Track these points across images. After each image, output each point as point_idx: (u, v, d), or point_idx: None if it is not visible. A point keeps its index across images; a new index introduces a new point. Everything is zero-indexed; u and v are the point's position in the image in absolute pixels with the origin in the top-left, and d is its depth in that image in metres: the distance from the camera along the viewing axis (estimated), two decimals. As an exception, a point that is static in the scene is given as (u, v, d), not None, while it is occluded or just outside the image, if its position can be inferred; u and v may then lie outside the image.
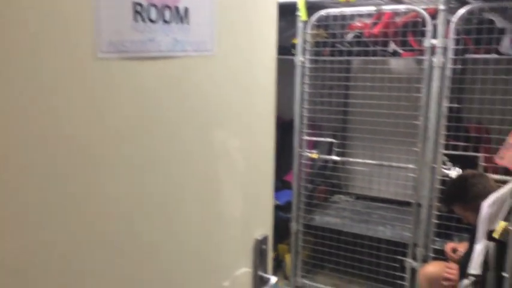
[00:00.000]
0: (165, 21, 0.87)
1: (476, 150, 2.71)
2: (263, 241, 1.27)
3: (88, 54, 0.75)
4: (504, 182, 2.30)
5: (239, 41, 1.11)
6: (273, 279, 1.26)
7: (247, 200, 1.26)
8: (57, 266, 0.74)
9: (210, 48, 1.00)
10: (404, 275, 2.87)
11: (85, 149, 0.76)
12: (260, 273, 1.28)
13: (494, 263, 1.31)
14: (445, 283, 2.22)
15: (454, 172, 2.63)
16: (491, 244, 1.32)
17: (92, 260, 0.81)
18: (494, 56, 2.56)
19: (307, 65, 3.03)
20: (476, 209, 2.05)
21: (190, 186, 1.01)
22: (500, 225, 1.22)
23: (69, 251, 0.76)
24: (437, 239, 2.76)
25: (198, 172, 1.03)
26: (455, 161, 2.69)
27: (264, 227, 1.32)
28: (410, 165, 2.79)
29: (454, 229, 2.76)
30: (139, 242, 0.91)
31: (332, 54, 3.04)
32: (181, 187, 0.98)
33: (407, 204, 2.91)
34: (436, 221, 2.72)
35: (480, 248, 1.39)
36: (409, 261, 2.84)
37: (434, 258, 2.72)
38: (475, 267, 1.37)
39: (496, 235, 1.23)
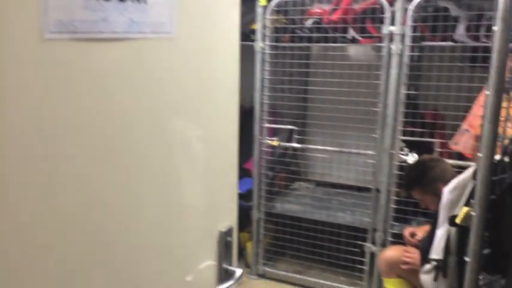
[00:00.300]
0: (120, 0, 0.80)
1: (432, 136, 2.77)
2: (228, 233, 1.23)
3: (34, 34, 0.68)
4: (459, 167, 2.37)
5: (201, 23, 1.05)
6: (238, 272, 1.22)
7: (210, 191, 1.21)
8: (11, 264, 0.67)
9: (169, 30, 0.94)
10: (363, 259, 2.91)
11: (29, 139, 0.69)
12: (225, 265, 1.24)
13: (455, 247, 1.33)
14: (404, 267, 2.27)
15: (411, 158, 2.67)
16: (453, 229, 1.34)
17: (44, 257, 0.74)
18: (449, 43, 2.61)
19: (267, 51, 2.98)
20: (434, 193, 2.10)
21: (149, 178, 0.95)
22: (463, 210, 1.23)
23: (22, 247, 0.69)
24: (396, 223, 2.82)
25: (157, 163, 0.97)
26: (412, 146, 2.74)
27: (229, 218, 1.27)
28: (370, 152, 2.82)
29: (412, 214, 2.82)
30: (94, 236, 0.84)
31: (292, 40, 3.00)
32: (138, 179, 0.92)
33: (367, 190, 2.94)
34: (394, 206, 2.78)
35: (441, 233, 1.41)
36: (368, 246, 2.89)
37: (393, 243, 2.78)
38: (436, 252, 1.39)
39: (458, 220, 1.24)
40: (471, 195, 1.30)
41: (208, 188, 1.19)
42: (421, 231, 2.37)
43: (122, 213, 0.89)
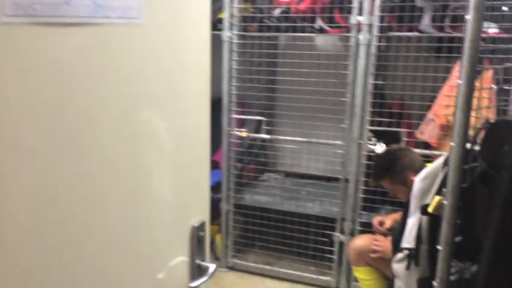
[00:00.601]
0: (84, -19, 0.74)
1: (398, 125, 2.80)
2: (200, 227, 1.19)
3: (-13, 17, 0.61)
4: (425, 156, 2.40)
5: (170, 9, 0.99)
6: (212, 268, 1.19)
7: (181, 184, 1.16)
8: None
9: (137, 16, 0.88)
10: (332, 248, 2.93)
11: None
12: (198, 261, 1.20)
13: (427, 236, 1.34)
14: (373, 255, 2.30)
15: (379, 147, 2.70)
16: (424, 218, 1.34)
17: (9, 258, 0.69)
18: (415, 34, 2.64)
19: (235, 40, 2.93)
20: (403, 182, 2.12)
21: (114, 172, 0.90)
22: (435, 199, 1.24)
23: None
24: (364, 212, 2.85)
25: (123, 156, 0.91)
26: (379, 136, 2.77)
27: (201, 213, 1.23)
28: (338, 142, 2.83)
29: (379, 203, 2.86)
30: (56, 235, 0.79)
31: (260, 30, 2.96)
32: (102, 172, 0.86)
33: (335, 180, 2.96)
34: (362, 196, 2.80)
35: (413, 222, 1.42)
36: (337, 235, 2.91)
37: (361, 232, 2.81)
38: (408, 240, 1.40)
39: (430, 209, 1.25)
40: (442, 184, 1.31)
41: (179, 182, 1.15)
42: (389, 220, 2.41)
43: (85, 209, 0.84)
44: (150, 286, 1.08)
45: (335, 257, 2.93)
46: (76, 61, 0.78)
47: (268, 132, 3.02)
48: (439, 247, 1.23)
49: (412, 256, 1.36)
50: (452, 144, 1.17)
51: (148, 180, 1.01)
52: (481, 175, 1.15)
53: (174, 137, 1.08)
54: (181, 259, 1.17)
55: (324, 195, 3.01)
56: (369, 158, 2.77)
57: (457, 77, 2.56)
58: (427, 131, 2.66)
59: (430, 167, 1.40)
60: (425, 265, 1.35)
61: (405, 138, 2.68)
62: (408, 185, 2.11)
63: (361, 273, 2.41)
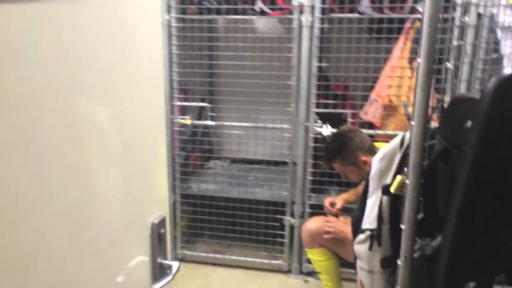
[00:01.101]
0: None
1: (343, 107, 2.83)
2: (160, 224, 1.11)
3: None
4: (370, 136, 2.44)
5: (119, -15, 0.89)
6: (175, 266, 1.11)
7: (137, 179, 1.07)
8: None
9: (84, -8, 0.78)
10: (283, 232, 2.94)
11: None
12: (160, 260, 1.12)
13: (388, 216, 1.35)
14: (326, 236, 2.32)
15: (326, 130, 2.72)
16: (385, 198, 1.35)
17: None
18: (356, 15, 2.66)
19: (174, 24, 2.80)
20: (354, 163, 2.14)
21: (62, 169, 0.80)
22: (397, 179, 1.24)
23: None
24: (313, 194, 2.87)
25: (68, 147, 0.81)
26: (324, 119, 2.79)
27: (160, 208, 1.15)
28: (285, 126, 2.81)
29: (327, 184, 2.89)
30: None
31: (199, 12, 2.85)
32: (43, 166, 0.75)
33: (283, 164, 2.95)
34: (311, 178, 2.82)
35: (372, 202, 1.42)
36: (287, 219, 2.91)
37: (312, 214, 2.83)
38: (369, 221, 1.40)
39: (392, 189, 1.25)
40: (402, 164, 1.32)
41: (134, 176, 1.06)
42: (339, 201, 2.44)
43: (27, 208, 0.73)
44: (108, 291, 0.99)
45: (286, 240, 2.94)
46: (14, 39, 0.67)
47: (212, 118, 2.94)
48: (402, 226, 1.24)
49: (374, 236, 1.37)
50: (412, 123, 1.17)
51: (99, 175, 0.91)
52: (442, 153, 1.16)
53: (124, 125, 0.99)
54: (141, 259, 1.08)
55: (272, 180, 3.00)
56: (316, 140, 2.79)
57: (397, 57, 2.62)
58: (371, 112, 2.72)
59: (387, 147, 1.40)
60: (387, 245, 1.36)
61: (350, 119, 2.72)
62: (359, 166, 2.14)
63: (314, 254, 2.42)
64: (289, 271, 2.98)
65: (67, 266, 0.84)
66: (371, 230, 1.39)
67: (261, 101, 2.82)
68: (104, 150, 0.91)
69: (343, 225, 2.31)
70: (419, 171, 1.19)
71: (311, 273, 2.96)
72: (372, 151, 2.15)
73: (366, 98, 2.72)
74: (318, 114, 2.76)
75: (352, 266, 2.60)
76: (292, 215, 2.91)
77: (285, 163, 2.93)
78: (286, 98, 2.76)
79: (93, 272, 0.92)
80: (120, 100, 0.97)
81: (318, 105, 2.73)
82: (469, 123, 1.08)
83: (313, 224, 2.41)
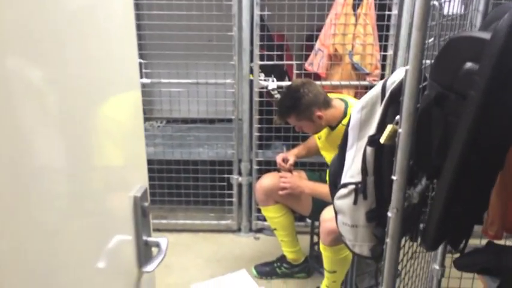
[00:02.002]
0: None
1: (288, 58, 2.73)
2: (143, 197, 0.95)
3: None
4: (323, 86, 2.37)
5: None
6: (164, 242, 0.97)
7: (113, 147, 0.90)
8: None
9: None
10: (231, 191, 2.85)
11: None
12: (145, 237, 0.97)
13: (373, 167, 1.30)
14: (281, 192, 2.26)
15: (271, 83, 2.61)
16: (369, 149, 1.29)
17: None
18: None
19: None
20: (309, 118, 2.07)
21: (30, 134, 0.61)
22: (388, 128, 1.18)
23: None
24: (260, 151, 2.79)
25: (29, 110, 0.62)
26: (268, 72, 2.67)
27: (140, 179, 0.98)
28: (228, 81, 2.66)
29: (274, 139, 2.82)
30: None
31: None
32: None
33: (225, 121, 2.82)
34: (257, 134, 2.72)
35: (352, 155, 1.36)
36: (235, 178, 2.82)
37: (260, 171, 2.76)
38: (352, 175, 1.34)
39: (383, 139, 1.19)
40: (386, 112, 1.25)
41: (109, 145, 0.88)
42: (292, 156, 2.38)
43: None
44: (88, 280, 0.82)
45: (234, 199, 2.86)
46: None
47: (147, 76, 2.69)
48: (393, 177, 1.19)
49: (360, 190, 1.31)
50: (408, 67, 1.10)
51: (69, 142, 0.72)
52: (435, 98, 1.10)
53: (96, 85, 0.80)
54: (124, 238, 0.92)
55: (214, 139, 2.86)
56: (261, 95, 2.68)
57: (340, 4, 2.54)
58: (316, 62, 2.64)
59: (366, 96, 1.33)
60: (372, 197, 1.32)
61: (295, 71, 2.63)
62: (314, 120, 2.08)
63: (270, 211, 2.37)
64: (238, 230, 2.93)
65: (47, 253, 0.67)
66: (355, 184, 1.33)
67: (201, 54, 2.62)
68: (72, 113, 0.72)
69: (298, 179, 2.27)
70: (414, 119, 1.13)
71: (261, 230, 2.93)
72: (327, 104, 2.09)
73: (309, 48, 2.63)
74: (261, 67, 2.63)
75: (303, 219, 2.62)
76: (240, 173, 2.82)
77: (227, 120, 2.80)
78: (227, 51, 2.59)
79: (68, 259, 0.74)
80: (91, 51, 0.77)
81: (261, 58, 2.60)
82: (468, 65, 1.02)
83: (267, 181, 2.34)
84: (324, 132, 2.19)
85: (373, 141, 1.27)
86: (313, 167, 2.69)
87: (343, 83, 2.59)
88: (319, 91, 2.09)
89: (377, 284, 1.40)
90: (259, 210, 2.83)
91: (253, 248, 2.78)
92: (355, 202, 1.33)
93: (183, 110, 2.71)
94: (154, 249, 0.99)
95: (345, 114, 2.09)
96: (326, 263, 2.09)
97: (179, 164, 2.81)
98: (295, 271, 2.48)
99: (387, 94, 1.27)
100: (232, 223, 2.91)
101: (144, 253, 0.96)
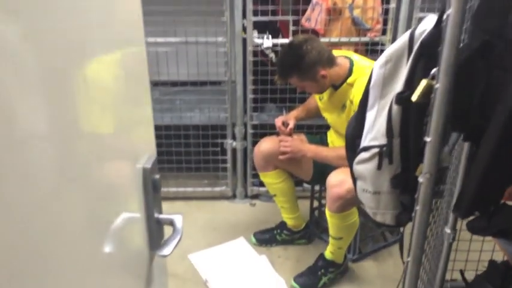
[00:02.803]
0: None
1: (282, 14, 2.54)
2: (153, 169, 0.80)
3: None
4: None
5: None
6: (178, 219, 0.83)
7: (119, 115, 0.74)
8: None
9: None
10: (225, 157, 2.71)
11: None
12: (156, 215, 0.83)
13: (399, 128, 1.17)
14: (282, 157, 2.13)
15: (267, 41, 2.44)
16: (396, 108, 1.16)
17: None
18: None
19: None
20: (313, 78, 1.92)
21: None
22: (422, 84, 1.04)
23: None
24: (255, 114, 2.64)
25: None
26: (261, 29, 2.49)
27: (148, 148, 0.83)
28: (220, 39, 2.47)
29: (270, 102, 2.67)
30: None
31: None
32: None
33: (218, 83, 2.64)
34: (252, 96, 2.57)
35: (373, 115, 1.23)
36: (229, 142, 2.68)
37: (255, 135, 2.63)
38: (375, 137, 1.21)
39: (415, 97, 1.06)
40: (416, 66, 1.11)
41: (110, 108, 0.72)
42: (292, 119, 2.24)
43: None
44: (89, 266, 0.68)
45: (229, 165, 2.73)
46: None
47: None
48: (427, 138, 1.06)
49: (385, 153, 1.19)
50: (450, 11, 0.95)
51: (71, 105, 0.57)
52: (481, 47, 0.97)
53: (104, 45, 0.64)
54: (131, 217, 0.78)
55: (208, 102, 2.69)
56: (255, 54, 2.50)
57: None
58: (313, 17, 2.47)
59: (390, 48, 1.19)
60: (398, 161, 1.20)
61: (291, 27, 2.45)
62: (318, 80, 1.93)
63: (269, 177, 2.25)
64: (233, 196, 2.81)
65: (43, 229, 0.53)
66: (378, 147, 1.20)
67: (189, 10, 2.41)
68: (61, 69, 0.56)
69: (300, 143, 2.14)
70: (453, 72, 1.00)
71: (257, 196, 2.82)
72: (331, 62, 1.94)
73: (307, 2, 2.45)
74: (254, 24, 2.45)
75: (300, 183, 2.49)
76: (234, 138, 2.68)
77: (220, 82, 2.63)
78: (218, 6, 2.39)
79: (62, 240, 0.60)
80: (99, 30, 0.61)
81: (255, 13, 2.41)
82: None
83: (266, 145, 2.21)
84: (326, 93, 2.05)
85: (401, 98, 1.13)
86: (311, 130, 2.57)
87: (342, 39, 2.44)
88: (323, 48, 1.93)
89: (401, 256, 1.31)
90: (254, 176, 2.72)
91: (250, 215, 2.68)
92: (379, 167, 1.21)
93: (172, 72, 2.52)
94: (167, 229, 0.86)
95: (350, 72, 1.95)
96: (332, 230, 1.99)
97: (169, 130, 2.65)
98: (295, 238, 2.40)
99: (416, 45, 1.13)
100: (226, 190, 2.79)
101: (156, 233, 0.83)
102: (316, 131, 2.56)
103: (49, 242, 0.55)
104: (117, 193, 0.75)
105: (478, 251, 1.97)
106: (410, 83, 1.14)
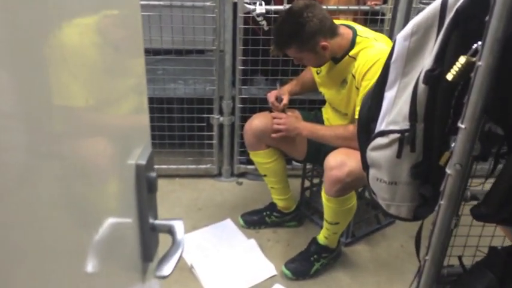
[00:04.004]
0: None
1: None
2: (148, 165, 0.63)
3: None
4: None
5: None
6: (179, 226, 0.67)
7: (105, 97, 0.57)
8: None
9: None
10: (211, 133, 2.54)
11: None
12: (151, 220, 0.67)
13: (424, 112, 1.03)
14: (275, 135, 1.98)
15: (259, 7, 2.24)
16: (423, 88, 1.01)
17: None
18: None
19: None
20: (312, 49, 1.75)
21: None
22: (460, 61, 0.90)
23: None
24: (244, 87, 2.46)
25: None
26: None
27: (143, 139, 0.66)
28: (208, 3, 2.25)
29: (261, 74, 2.49)
30: None
31: None
32: None
33: (207, 52, 2.44)
34: (241, 68, 2.38)
35: (393, 95, 1.08)
36: (215, 117, 2.50)
37: (243, 110, 2.46)
38: (395, 120, 1.07)
39: (451, 76, 0.91)
40: (448, 38, 0.96)
41: (94, 88, 0.55)
42: (285, 94, 2.07)
43: None
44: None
45: (215, 141, 2.56)
46: None
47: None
48: (461, 125, 0.92)
49: (407, 140, 1.05)
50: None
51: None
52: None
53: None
54: (121, 223, 0.62)
55: (193, 73, 2.49)
56: (246, 21, 2.31)
57: None
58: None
59: (417, 18, 1.03)
60: (420, 148, 1.06)
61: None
62: (317, 52, 1.76)
63: (260, 157, 2.10)
64: (219, 175, 2.66)
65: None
66: (399, 132, 1.06)
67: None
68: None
69: (295, 120, 1.98)
70: (500, 49, 0.85)
71: (243, 174, 2.67)
72: (333, 32, 1.77)
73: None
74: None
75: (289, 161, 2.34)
76: (221, 112, 2.50)
77: (207, 51, 2.43)
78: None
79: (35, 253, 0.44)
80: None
81: (247, -24, 2.20)
82: None
83: (259, 122, 2.04)
84: (325, 66, 1.89)
85: (431, 77, 0.98)
86: (303, 105, 2.41)
87: (341, 7, 2.26)
88: (325, 15, 1.75)
89: (417, 253, 1.19)
90: (242, 153, 2.57)
91: (237, 194, 2.54)
92: (398, 155, 1.07)
93: (155, 39, 2.30)
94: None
95: (352, 44, 1.79)
96: (328, 214, 1.87)
97: (151, 103, 2.45)
98: (286, 220, 2.27)
99: (451, 14, 0.97)
100: (212, 167, 2.63)
101: (151, 242, 0.67)
102: (309, 107, 2.41)
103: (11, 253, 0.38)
104: (102, 193, 0.59)
105: (477, 236, 1.89)
106: (441, 59, 0.98)
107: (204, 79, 2.45)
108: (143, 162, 0.62)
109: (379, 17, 2.31)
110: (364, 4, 2.29)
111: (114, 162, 0.60)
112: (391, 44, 1.78)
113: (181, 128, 2.53)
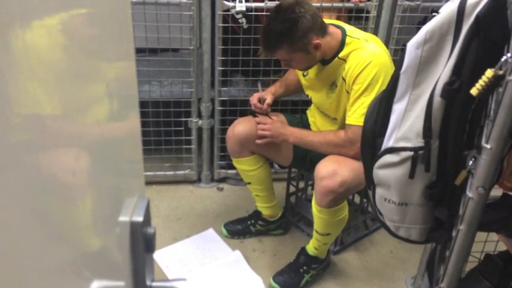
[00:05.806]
0: None
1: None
2: (145, 221, 0.51)
3: None
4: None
5: None
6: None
7: (88, 130, 0.44)
8: None
9: None
10: (190, 137, 2.40)
11: None
12: (149, 283, 0.54)
13: (439, 127, 0.93)
14: (259, 141, 1.86)
15: (239, 4, 2.10)
16: (439, 102, 0.91)
17: None
18: None
19: None
20: (304, 49, 1.64)
21: None
22: (488, 74, 0.80)
23: None
24: (224, 89, 2.33)
25: None
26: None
27: (137, 187, 0.54)
28: (184, 0, 2.10)
29: (241, 75, 2.37)
30: None
31: None
32: None
33: (180, 51, 2.30)
34: (220, 68, 2.25)
35: (402, 109, 0.98)
36: (194, 121, 2.36)
37: (223, 112, 2.33)
38: (406, 136, 0.97)
39: (475, 91, 0.81)
40: (469, 45, 0.87)
41: (73, 117, 0.42)
42: (269, 95, 1.96)
43: None
44: None
45: (194, 146, 2.42)
46: None
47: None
48: (486, 145, 0.83)
49: (421, 159, 0.95)
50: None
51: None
52: None
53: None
54: (112, 286, 0.49)
55: (169, 74, 2.34)
56: (225, 20, 2.17)
57: None
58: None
59: (431, 23, 0.93)
60: (434, 168, 0.97)
61: (267, -10, 2.13)
62: (309, 51, 1.65)
63: (244, 164, 1.98)
64: (198, 180, 2.52)
65: None
66: (413, 150, 0.96)
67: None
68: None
69: (281, 125, 1.87)
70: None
71: (224, 180, 2.55)
72: (324, 30, 1.67)
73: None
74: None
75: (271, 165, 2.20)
76: (199, 116, 2.36)
77: (184, 51, 2.28)
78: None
79: None
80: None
81: (225, -29, 2.07)
82: None
83: (242, 128, 1.92)
84: (313, 68, 1.78)
85: (449, 91, 0.89)
86: (286, 106, 2.31)
87: (324, 4, 2.15)
88: (316, 12, 1.64)
89: (430, 278, 1.10)
90: (222, 158, 2.45)
91: (218, 201, 2.41)
92: (411, 175, 0.98)
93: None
94: None
95: (342, 44, 1.69)
96: (319, 226, 1.77)
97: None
98: (271, 228, 2.17)
99: (469, 20, 0.88)
100: (191, 173, 2.49)
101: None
102: (292, 109, 2.31)
103: None
104: (90, 259, 0.46)
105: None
106: (460, 70, 0.89)
107: (181, 80, 2.31)
108: (139, 218, 0.49)
109: (364, 14, 2.22)
110: (349, 1, 2.20)
111: (104, 221, 0.47)
112: (382, 45, 1.73)
113: (157, 132, 2.38)
